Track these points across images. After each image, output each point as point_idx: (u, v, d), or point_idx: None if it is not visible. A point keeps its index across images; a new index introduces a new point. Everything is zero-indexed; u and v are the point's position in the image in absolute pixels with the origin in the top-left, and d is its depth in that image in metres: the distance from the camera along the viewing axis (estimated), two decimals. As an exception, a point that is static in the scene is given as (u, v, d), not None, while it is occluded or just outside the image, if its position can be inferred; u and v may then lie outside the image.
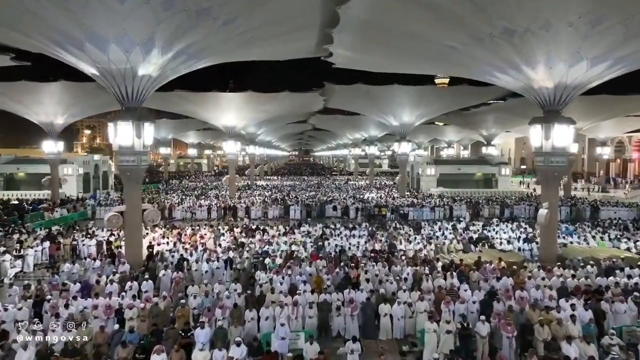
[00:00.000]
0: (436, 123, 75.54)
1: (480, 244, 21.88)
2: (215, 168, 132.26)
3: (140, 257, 18.36)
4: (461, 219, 30.67)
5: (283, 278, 15.86)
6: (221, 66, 23.27)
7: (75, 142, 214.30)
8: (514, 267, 17.71)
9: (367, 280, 15.97)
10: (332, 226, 26.63)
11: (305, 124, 73.42)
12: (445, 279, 15.85)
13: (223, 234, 24.29)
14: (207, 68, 21.38)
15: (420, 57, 21.03)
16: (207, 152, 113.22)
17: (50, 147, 40.45)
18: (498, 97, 39.21)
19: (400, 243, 21.71)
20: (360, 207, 38.13)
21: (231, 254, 19.82)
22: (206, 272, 17.53)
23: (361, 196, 46.68)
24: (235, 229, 26.08)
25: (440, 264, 17.82)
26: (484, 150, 66.29)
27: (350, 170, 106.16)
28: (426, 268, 17.14)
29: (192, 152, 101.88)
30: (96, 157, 53.90)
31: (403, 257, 18.39)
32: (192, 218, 36.70)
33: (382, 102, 39.56)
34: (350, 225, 27.05)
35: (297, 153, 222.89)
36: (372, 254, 19.81)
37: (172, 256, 19.09)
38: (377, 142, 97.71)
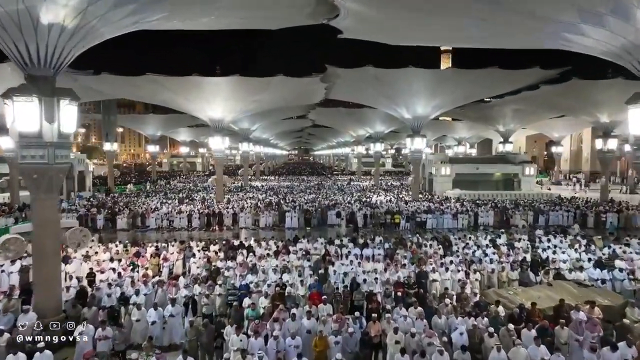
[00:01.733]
0: (440, 119, 69.52)
1: (543, 270, 15.99)
2: (211, 167, 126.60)
3: (57, 299, 12.46)
4: (500, 232, 24.67)
5: (266, 342, 10.06)
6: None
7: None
8: (611, 312, 11.92)
9: (397, 342, 10.19)
10: (338, 242, 20.75)
11: (305, 120, 67.57)
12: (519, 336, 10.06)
13: (194, 254, 18.42)
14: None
15: (459, 19, 15.12)
16: (202, 150, 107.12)
17: (7, 142, 34.60)
18: (531, 83, 33.36)
19: (433, 271, 15.80)
20: (368, 214, 32.29)
21: (197, 289, 13.99)
22: (153, 323, 11.69)
23: (368, 199, 40.86)
24: (212, 245, 20.20)
25: (502, 310, 11.94)
26: (500, 147, 60.54)
27: (352, 170, 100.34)
28: (484, 319, 11.28)
29: (184, 150, 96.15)
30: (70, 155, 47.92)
31: (447, 301, 12.45)
32: (169, 227, 30.92)
33: (394, 89, 33.70)
34: (361, 241, 21.15)
35: (296, 152, 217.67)
36: (398, 290, 13.96)
37: (110, 295, 13.25)
38: (382, 139, 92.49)
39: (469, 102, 38.58)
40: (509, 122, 55.19)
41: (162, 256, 18.27)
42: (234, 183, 62.77)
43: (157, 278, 15.15)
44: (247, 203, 37.21)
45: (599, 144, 39.15)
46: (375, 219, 31.30)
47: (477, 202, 37.76)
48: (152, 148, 72.82)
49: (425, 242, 20.52)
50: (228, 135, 39.36)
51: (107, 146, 55.31)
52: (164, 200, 39.27)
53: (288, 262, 17.41)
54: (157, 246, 19.97)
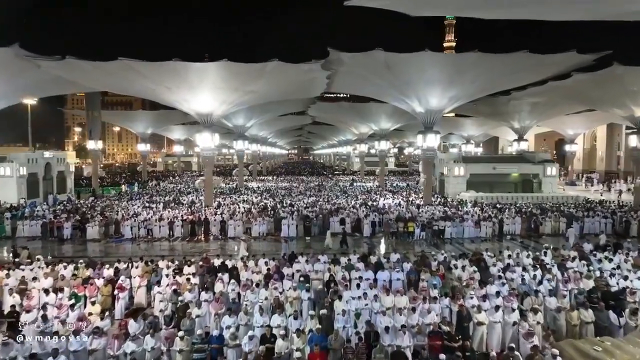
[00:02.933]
0: (445, 115, 65.31)
1: (628, 310, 11.73)
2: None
3: None
4: (545, 247, 20.41)
5: None
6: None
7: (66, 140, 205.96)
8: None
9: None
10: (345, 261, 16.56)
11: (304, 117, 63.36)
12: None
13: (159, 281, 14.23)
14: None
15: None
16: (197, 149, 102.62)
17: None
18: (562, 71, 29.18)
19: (478, 310, 11.57)
20: (377, 221, 28.14)
21: (150, 342, 9.80)
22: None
23: (374, 202, 36.70)
24: (187, 266, 16.00)
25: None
26: (515, 146, 56.39)
27: (353, 169, 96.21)
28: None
29: (178, 149, 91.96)
30: (47, 154, 43.83)
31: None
32: (148, 237, 26.77)
33: (405, 78, 29.56)
34: (374, 260, 16.94)
35: (296, 151, 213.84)
36: (434, 344, 9.79)
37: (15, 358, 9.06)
38: (385, 137, 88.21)
39: (489, 93, 34.41)
40: (525, 118, 51.04)
41: (117, 284, 14.08)
42: (228, 184, 58.72)
43: (98, 321, 10.95)
44: (239, 208, 33.09)
45: (633, 140, 35.00)
46: (384, 227, 27.11)
47: (497, 206, 33.63)
48: (143, 147, 68.70)
49: (454, 262, 16.27)
50: (219, 132, 35.17)
51: (91, 144, 51.21)
52: (148, 205, 35.16)
53: (281, 292, 13.25)
54: (116, 268, 15.79)
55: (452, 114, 72.46)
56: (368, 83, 32.73)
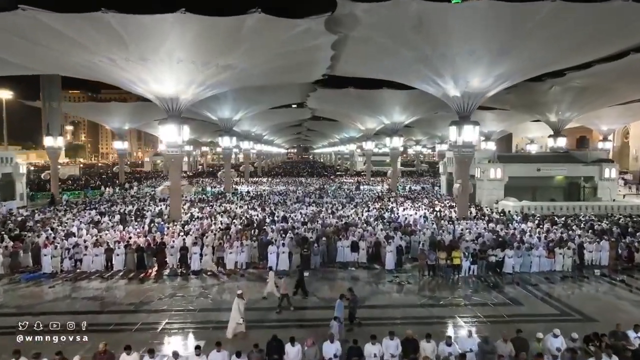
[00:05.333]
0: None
1: None
2: (199, 167, 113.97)
3: None
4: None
5: None
6: None
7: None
8: None
9: None
10: (375, 349, 8.32)
11: (303, 111, 55.11)
12: None
13: None
14: None
15: None
16: (188, 148, 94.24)
17: None
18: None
19: None
20: (403, 246, 19.85)
21: None
22: None
23: (391, 214, 28.48)
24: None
25: None
26: (550, 143, 48.06)
27: (357, 170, 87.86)
28: None
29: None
30: (-13, 152, 35.63)
31: None
32: (75, 270, 18.52)
33: (444, 43, 21.28)
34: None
35: (295, 150, 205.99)
36: None
37: None
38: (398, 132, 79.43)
39: (551, 69, 26.06)
40: (565, 110, 42.75)
41: None
42: (215, 187, 50.45)
43: None
44: (215, 224, 24.82)
45: None
46: (418, 257, 18.78)
47: (556, 219, 25.41)
48: (120, 145, 60.30)
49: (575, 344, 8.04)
50: (188, 124, 26.81)
51: (49, 141, 42.81)
52: (99, 218, 26.92)
53: None
54: None
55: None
56: (386, 57, 24.36)
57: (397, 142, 45.37)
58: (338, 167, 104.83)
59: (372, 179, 62.18)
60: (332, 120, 69.22)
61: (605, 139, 62.19)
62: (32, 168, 72.45)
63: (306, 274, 18.12)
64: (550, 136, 47.25)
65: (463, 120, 26.35)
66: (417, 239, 21.22)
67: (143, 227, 23.62)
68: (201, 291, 16.17)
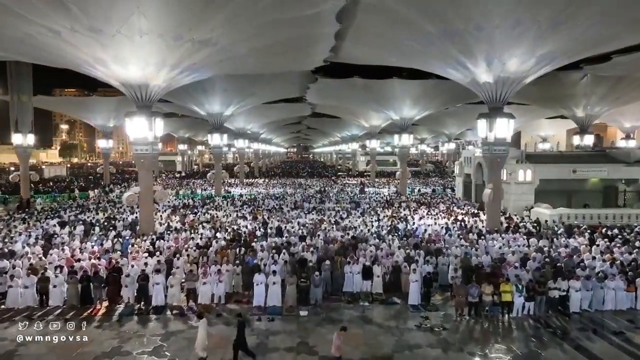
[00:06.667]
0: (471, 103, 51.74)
1: None
2: (195, 167, 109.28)
3: None
4: None
5: None
6: None
7: (54, 138, 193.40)
8: None
9: None
10: None
11: (302, 106, 50.43)
12: None
13: None
14: None
15: None
16: (182, 147, 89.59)
17: None
18: None
19: None
20: (430, 271, 15.21)
21: None
22: None
23: (408, 225, 23.91)
24: None
25: None
26: (576, 140, 43.44)
27: (359, 170, 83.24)
28: None
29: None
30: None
31: None
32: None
33: (480, 11, 16.69)
34: None
35: (295, 150, 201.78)
36: None
37: None
38: (386, 133, 74.69)
39: (609, 48, 21.39)
40: (595, 104, 38.16)
41: None
42: (206, 190, 45.86)
43: None
44: (193, 237, 20.22)
45: None
46: (455, 293, 14.15)
47: (625, 234, 20.82)
48: (104, 143, 55.66)
49: None
50: (162, 117, 22.10)
51: (17, 138, 38.21)
52: (55, 230, 22.37)
53: None
54: None
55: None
56: (404, 34, 19.73)
57: (407, 139, 40.73)
58: (339, 167, 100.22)
59: (376, 180, 57.59)
60: (334, 117, 64.62)
61: (628, 137, 57.51)
62: (12, 168, 67.79)
63: (304, 312, 13.63)
64: (575, 133, 42.61)
65: (495, 112, 21.77)
66: (445, 260, 16.64)
67: (102, 244, 19.01)
68: (160, 342, 11.61)
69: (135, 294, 14.30)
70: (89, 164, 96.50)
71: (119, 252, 17.92)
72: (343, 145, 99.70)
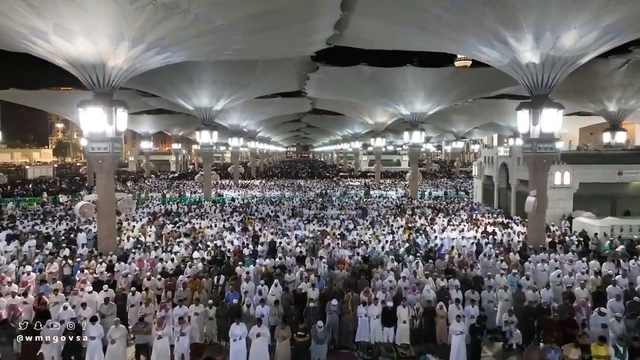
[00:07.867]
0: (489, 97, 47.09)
1: None
2: (191, 166, 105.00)
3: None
4: None
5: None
6: None
7: (49, 137, 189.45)
8: None
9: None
10: None
11: (301, 101, 46.15)
12: None
13: None
14: None
15: None
16: (176, 146, 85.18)
17: None
18: None
19: None
20: (476, 315, 10.94)
21: None
22: None
23: (429, 239, 19.67)
24: None
25: None
26: (606, 138, 39.13)
27: (361, 170, 78.97)
28: None
29: (146, 145, 74.25)
30: None
31: None
32: None
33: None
34: None
35: (294, 149, 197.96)
36: None
37: None
38: (388, 132, 70.54)
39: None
40: (630, 97, 33.93)
41: None
42: (196, 193, 41.56)
43: None
44: (163, 257, 15.95)
45: None
46: (488, 325, 9.91)
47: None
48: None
49: None
50: (125, 108, 17.74)
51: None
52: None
53: None
54: None
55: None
56: (427, 3, 15.47)
57: (418, 137, 36.44)
58: (340, 167, 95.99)
59: (381, 181, 53.35)
60: (335, 113, 60.35)
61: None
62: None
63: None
64: (606, 130, 38.36)
65: (540, 102, 17.49)
66: (490, 296, 12.38)
67: (41, 270, 14.75)
68: None
69: (62, 355, 10.05)
70: (78, 164, 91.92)
71: (59, 282, 13.66)
72: (344, 144, 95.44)
